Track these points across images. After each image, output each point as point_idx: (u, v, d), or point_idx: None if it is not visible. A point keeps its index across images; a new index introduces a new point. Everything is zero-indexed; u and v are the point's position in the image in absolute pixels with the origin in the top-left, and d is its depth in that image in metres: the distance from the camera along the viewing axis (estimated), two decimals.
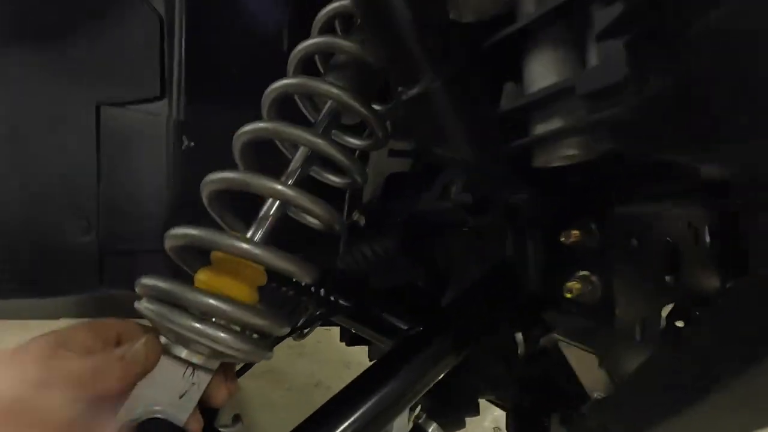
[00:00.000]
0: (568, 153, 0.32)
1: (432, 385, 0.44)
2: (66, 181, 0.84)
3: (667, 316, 0.57)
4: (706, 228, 0.65)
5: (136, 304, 0.42)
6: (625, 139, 0.31)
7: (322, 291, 0.68)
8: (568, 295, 0.39)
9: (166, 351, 0.41)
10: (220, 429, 0.53)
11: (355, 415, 0.40)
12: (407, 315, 0.62)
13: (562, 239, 0.40)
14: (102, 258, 0.87)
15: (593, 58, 0.31)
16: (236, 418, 0.73)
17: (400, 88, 0.42)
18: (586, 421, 0.45)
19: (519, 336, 0.62)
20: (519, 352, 0.61)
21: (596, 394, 0.45)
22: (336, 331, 1.15)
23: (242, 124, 0.50)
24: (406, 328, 0.58)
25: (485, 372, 0.60)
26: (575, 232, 0.40)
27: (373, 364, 0.45)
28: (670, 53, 0.26)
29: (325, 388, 2.10)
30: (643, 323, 0.45)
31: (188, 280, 0.46)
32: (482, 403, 0.66)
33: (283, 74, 0.57)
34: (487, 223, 0.54)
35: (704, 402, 0.34)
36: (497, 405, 0.71)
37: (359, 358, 2.30)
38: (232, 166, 0.59)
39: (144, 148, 0.85)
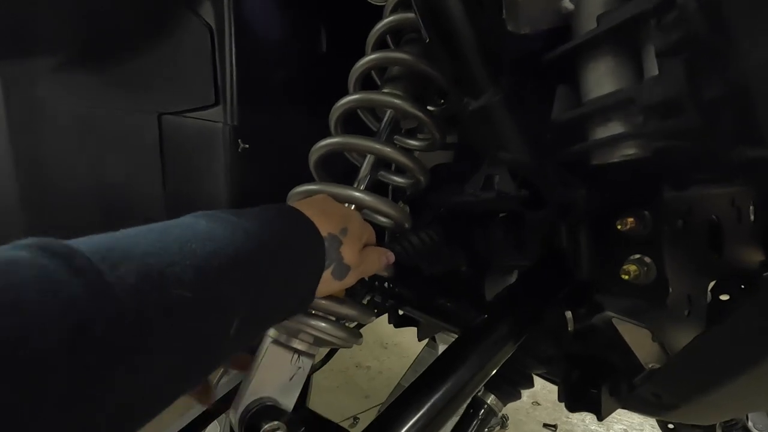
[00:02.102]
0: (626, 152, 0.36)
1: (495, 369, 0.50)
2: (134, 185, 0.92)
3: (712, 291, 0.61)
4: (750, 206, 0.68)
5: None
6: (680, 140, 0.36)
7: (386, 284, 0.75)
8: (625, 277, 0.44)
9: (276, 341, 0.48)
10: None
11: (434, 398, 0.45)
12: (467, 303, 0.68)
13: (619, 227, 0.45)
14: None
15: (651, 69, 0.35)
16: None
17: (465, 100, 0.47)
18: (640, 391, 0.50)
19: (569, 314, 0.67)
20: (569, 329, 0.67)
21: (650, 365, 0.50)
22: None
23: (289, 124, 0.56)
24: (468, 316, 0.64)
25: (537, 350, 0.66)
26: (630, 220, 0.45)
27: (444, 352, 0.51)
28: (722, 70, 0.30)
29: (365, 369, 2.21)
30: (690, 299, 0.50)
31: None
32: None
33: (322, 76, 0.62)
34: (540, 216, 0.59)
35: (751, 373, 0.39)
36: (548, 379, 0.77)
37: (395, 339, 2.39)
38: (284, 165, 0.65)
39: (203, 153, 0.92)
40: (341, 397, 2.00)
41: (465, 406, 0.71)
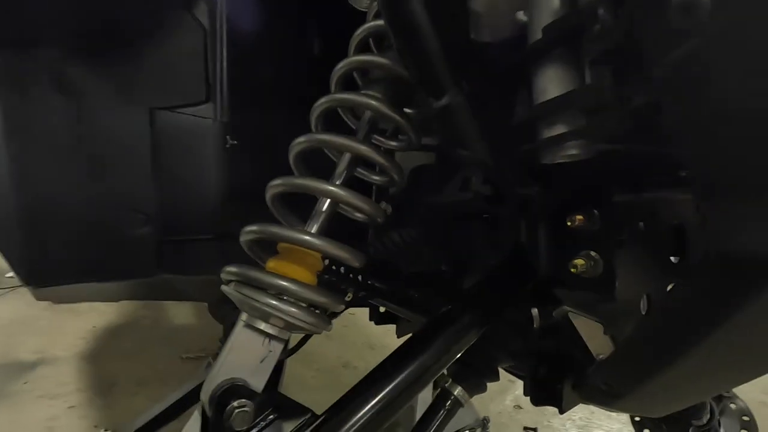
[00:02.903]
0: (569, 153, 0.40)
1: (458, 356, 0.53)
2: (126, 178, 0.94)
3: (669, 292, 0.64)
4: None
5: (223, 287, 0.52)
6: (614, 143, 0.39)
7: (360, 276, 0.78)
8: (573, 270, 0.48)
9: (247, 324, 0.51)
10: None
11: (396, 381, 0.48)
12: (436, 296, 0.71)
13: (569, 223, 0.49)
14: (159, 247, 0.98)
15: (588, 77, 0.38)
16: None
17: (429, 99, 0.50)
18: (591, 381, 0.53)
19: (535, 311, 0.71)
20: (535, 325, 0.70)
21: (600, 357, 0.53)
22: (360, 316, 1.23)
23: (278, 122, 0.60)
24: (435, 307, 0.68)
25: (504, 344, 0.69)
26: (579, 217, 0.48)
27: (409, 338, 0.54)
28: (646, 78, 0.34)
29: (352, 368, 2.24)
30: (649, 299, 0.53)
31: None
32: (504, 383, 0.74)
33: (314, 78, 0.65)
34: (503, 212, 0.62)
35: (684, 360, 0.42)
36: (515, 375, 0.80)
37: (383, 340, 2.42)
38: (272, 162, 0.68)
39: (194, 148, 0.95)
40: (328, 396, 2.02)
41: (433, 396, 0.74)
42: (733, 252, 0.32)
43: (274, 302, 0.48)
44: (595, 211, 0.47)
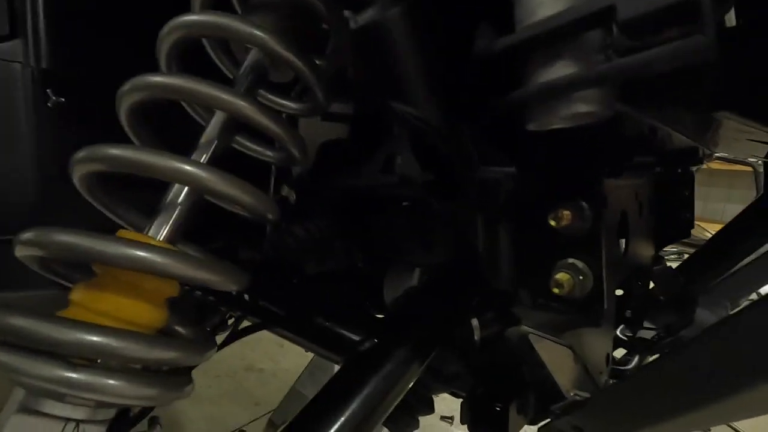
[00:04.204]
0: (580, 110, 0.24)
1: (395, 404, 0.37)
2: None
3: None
4: (647, 199, 0.65)
5: None
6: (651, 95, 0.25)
7: (246, 296, 0.56)
8: (557, 291, 0.33)
9: (27, 410, 0.28)
10: None
11: None
12: (353, 318, 0.53)
13: (552, 222, 0.34)
14: None
15: None
16: (153, 422, 0.61)
17: (346, 13, 0.31)
18: (558, 423, 0.41)
19: (475, 321, 0.57)
20: (475, 338, 0.57)
21: (573, 394, 0.41)
22: None
23: (125, 71, 0.37)
24: (355, 338, 0.50)
25: (441, 370, 0.55)
26: (567, 213, 0.33)
27: (322, 390, 0.36)
28: None
29: (257, 371, 1.98)
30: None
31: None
32: None
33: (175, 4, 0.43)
34: (450, 204, 0.46)
35: (678, 419, 0.31)
36: (451, 393, 0.67)
37: None
38: (116, 127, 0.44)
39: None
40: (227, 406, 1.76)
41: None
42: None
43: (65, 374, 0.26)
44: (585, 204, 0.33)
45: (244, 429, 1.59)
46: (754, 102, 0.28)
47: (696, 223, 0.77)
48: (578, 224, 0.33)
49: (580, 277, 0.33)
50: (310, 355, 1.82)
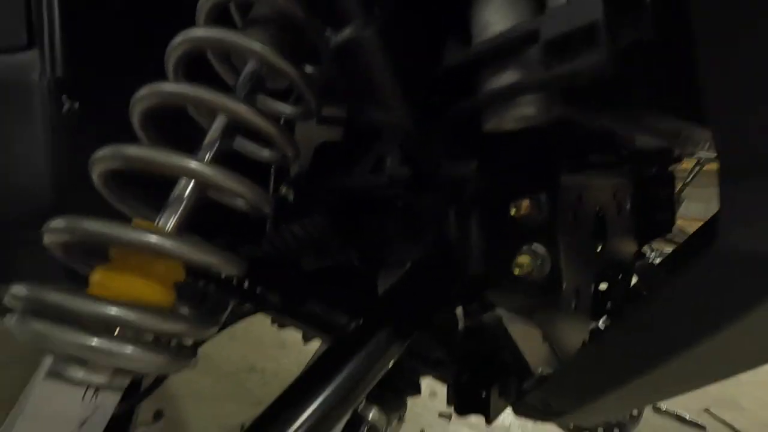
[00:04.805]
0: (524, 113, 0.29)
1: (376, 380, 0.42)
2: None
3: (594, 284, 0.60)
4: (628, 198, 0.69)
5: (6, 321, 0.33)
6: (585, 100, 0.29)
7: (246, 283, 0.61)
8: (517, 272, 0.38)
9: (52, 373, 0.33)
10: (139, 427, 0.45)
11: (297, 424, 0.35)
12: (343, 305, 0.58)
13: (513, 212, 0.38)
14: None
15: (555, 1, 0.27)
16: (158, 415, 0.65)
17: (327, 32, 0.36)
18: (528, 398, 0.45)
19: (459, 310, 0.61)
20: (459, 327, 0.61)
21: (540, 370, 0.46)
22: None
23: (138, 78, 0.41)
24: (343, 321, 0.54)
25: (426, 352, 0.59)
26: (526, 203, 0.38)
27: (310, 367, 0.40)
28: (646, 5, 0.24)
29: (258, 372, 2.01)
30: (577, 292, 0.46)
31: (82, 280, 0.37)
32: None
33: (188, 24, 0.48)
34: (425, 198, 0.51)
35: (636, 381, 0.35)
36: (436, 377, 0.71)
37: (296, 336, 2.25)
38: (132, 136, 0.49)
39: (12, 112, 0.69)
40: (228, 405, 1.80)
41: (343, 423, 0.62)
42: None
43: (89, 342, 0.31)
44: (542, 196, 0.37)
45: (244, 424, 1.62)
46: (684, 105, 0.32)
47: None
48: (536, 213, 0.37)
49: (539, 261, 0.37)
50: (311, 355, 1.86)
